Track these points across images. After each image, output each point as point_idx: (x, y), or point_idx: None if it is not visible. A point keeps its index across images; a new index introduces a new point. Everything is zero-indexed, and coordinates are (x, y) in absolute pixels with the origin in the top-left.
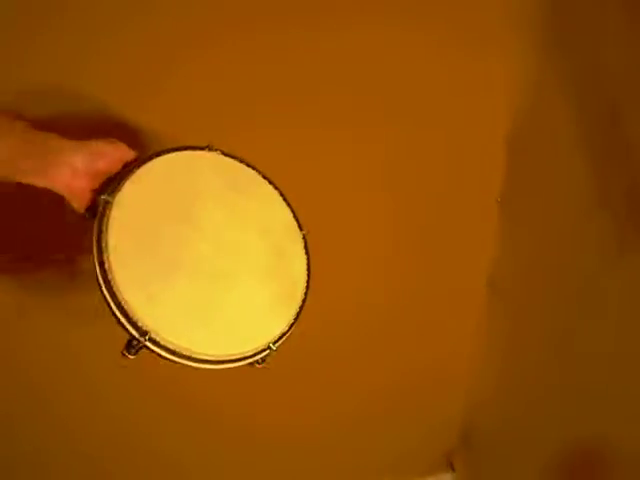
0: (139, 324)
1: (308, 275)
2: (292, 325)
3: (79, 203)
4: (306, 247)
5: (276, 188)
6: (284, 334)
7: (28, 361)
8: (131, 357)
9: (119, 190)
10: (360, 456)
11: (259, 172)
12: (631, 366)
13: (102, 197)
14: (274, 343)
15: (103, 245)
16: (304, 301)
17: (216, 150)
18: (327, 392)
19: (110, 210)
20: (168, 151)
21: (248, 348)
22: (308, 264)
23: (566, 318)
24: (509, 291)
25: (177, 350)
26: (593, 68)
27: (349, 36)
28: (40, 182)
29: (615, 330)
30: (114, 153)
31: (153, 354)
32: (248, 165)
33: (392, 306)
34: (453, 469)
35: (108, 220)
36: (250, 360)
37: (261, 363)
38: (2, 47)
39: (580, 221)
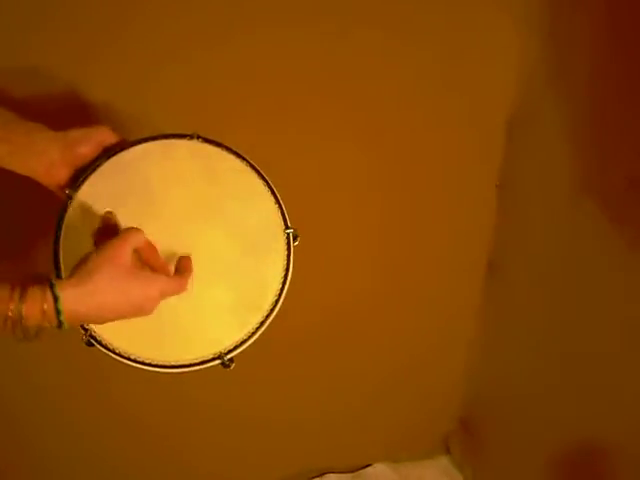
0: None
1: (285, 278)
2: (253, 334)
3: (59, 191)
4: (288, 245)
5: (263, 179)
6: (242, 343)
7: None
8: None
9: (83, 183)
10: (357, 439)
11: (247, 161)
12: (635, 348)
13: (66, 191)
14: (227, 353)
15: (60, 241)
16: (273, 309)
17: (199, 138)
18: (324, 375)
19: (70, 206)
20: (147, 139)
21: (192, 356)
22: (287, 265)
23: (566, 299)
24: (509, 274)
25: (116, 350)
26: (594, 53)
27: (341, 25)
28: (21, 170)
29: (617, 310)
30: (94, 138)
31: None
32: (235, 154)
33: (393, 289)
34: (450, 452)
35: (66, 216)
36: (197, 368)
37: (228, 366)
38: None
39: (579, 203)
